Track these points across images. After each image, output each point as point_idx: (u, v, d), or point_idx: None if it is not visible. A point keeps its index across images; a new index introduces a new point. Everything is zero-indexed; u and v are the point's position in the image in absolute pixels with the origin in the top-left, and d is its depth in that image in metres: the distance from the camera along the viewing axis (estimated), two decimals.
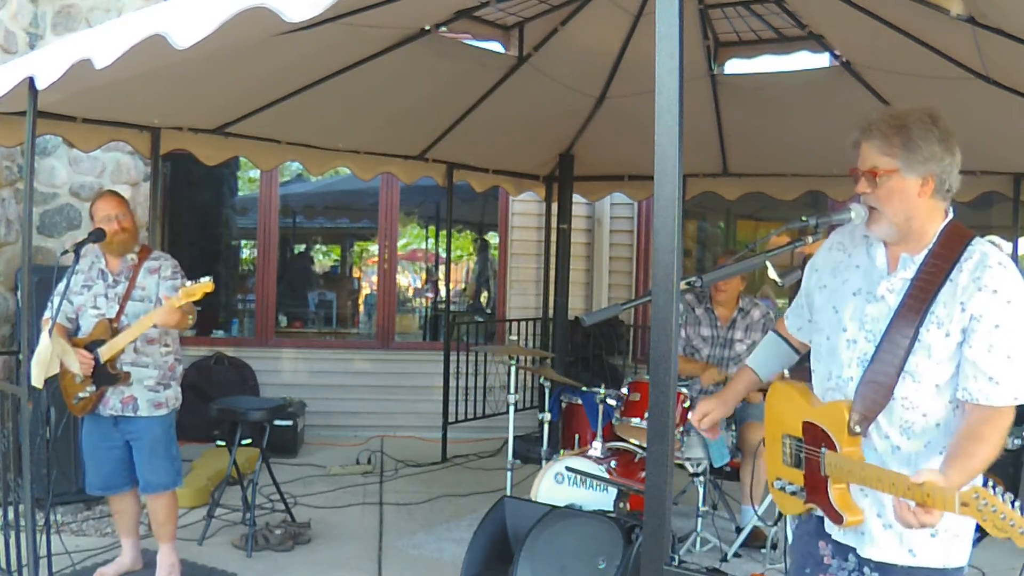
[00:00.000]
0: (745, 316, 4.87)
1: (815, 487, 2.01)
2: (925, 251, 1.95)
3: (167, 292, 3.71)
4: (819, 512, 2.06)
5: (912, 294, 1.93)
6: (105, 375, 3.73)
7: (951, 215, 1.99)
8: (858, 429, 1.93)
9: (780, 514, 4.07)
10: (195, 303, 3.66)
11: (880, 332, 1.96)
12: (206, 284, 3.49)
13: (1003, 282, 1.85)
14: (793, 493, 2.07)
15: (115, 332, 3.72)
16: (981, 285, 1.85)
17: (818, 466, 1.99)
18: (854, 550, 2.04)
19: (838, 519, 1.97)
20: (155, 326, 3.66)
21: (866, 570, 2.02)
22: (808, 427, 2.03)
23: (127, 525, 4.03)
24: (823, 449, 1.98)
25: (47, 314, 3.72)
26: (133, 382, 3.77)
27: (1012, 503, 1.55)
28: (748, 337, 4.82)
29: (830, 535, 2.07)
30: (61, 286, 3.70)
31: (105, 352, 3.70)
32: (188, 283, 3.54)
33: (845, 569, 2.06)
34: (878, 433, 1.97)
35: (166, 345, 3.86)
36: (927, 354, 1.91)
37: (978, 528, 1.69)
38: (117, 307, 3.80)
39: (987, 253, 1.90)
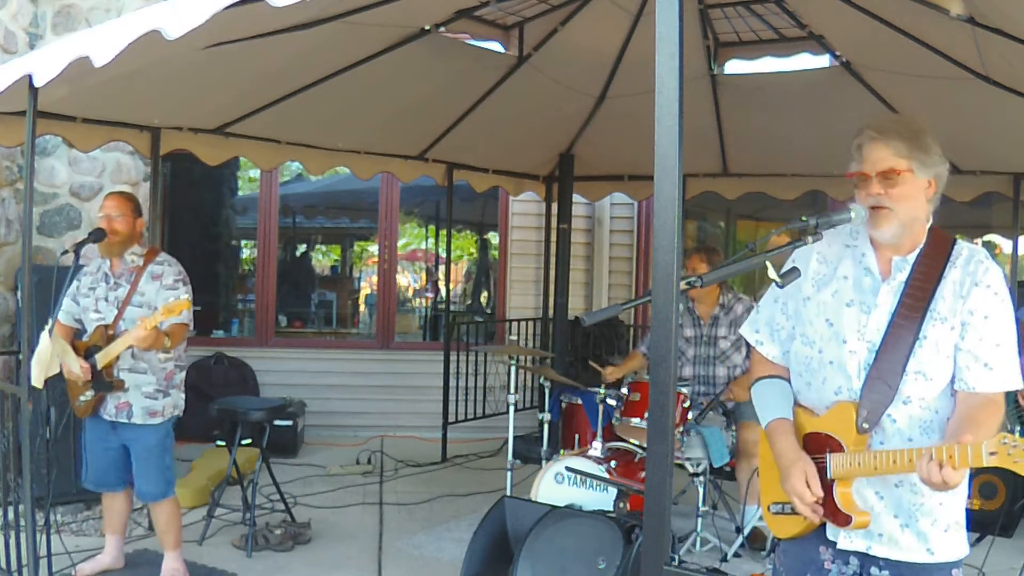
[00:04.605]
0: (728, 312, 4.79)
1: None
2: (916, 252, 2.03)
3: (163, 304, 3.68)
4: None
5: (909, 294, 1.99)
6: (101, 381, 3.72)
7: (931, 220, 2.09)
8: (866, 426, 1.97)
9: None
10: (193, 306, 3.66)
11: (879, 340, 1.99)
12: (183, 301, 3.49)
13: (992, 277, 1.97)
14: (793, 511, 2.06)
15: (110, 339, 3.71)
16: (977, 280, 1.96)
17: (823, 473, 2.00)
18: (857, 553, 2.04)
19: (845, 521, 1.97)
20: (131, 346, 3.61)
21: (874, 569, 2.03)
22: (811, 438, 2.05)
23: (113, 523, 4.03)
24: (828, 454, 2.00)
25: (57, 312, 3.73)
26: (130, 388, 3.75)
27: None
28: (733, 333, 4.73)
29: (834, 542, 2.07)
30: (69, 286, 3.70)
31: (100, 359, 3.70)
32: (176, 298, 3.54)
33: (845, 573, 2.07)
34: (900, 437, 1.98)
35: (165, 351, 3.76)
36: (935, 350, 1.96)
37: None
38: (116, 312, 3.77)
39: (975, 250, 2.02)
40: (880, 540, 2.02)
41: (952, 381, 1.97)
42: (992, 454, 1.67)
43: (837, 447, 1.99)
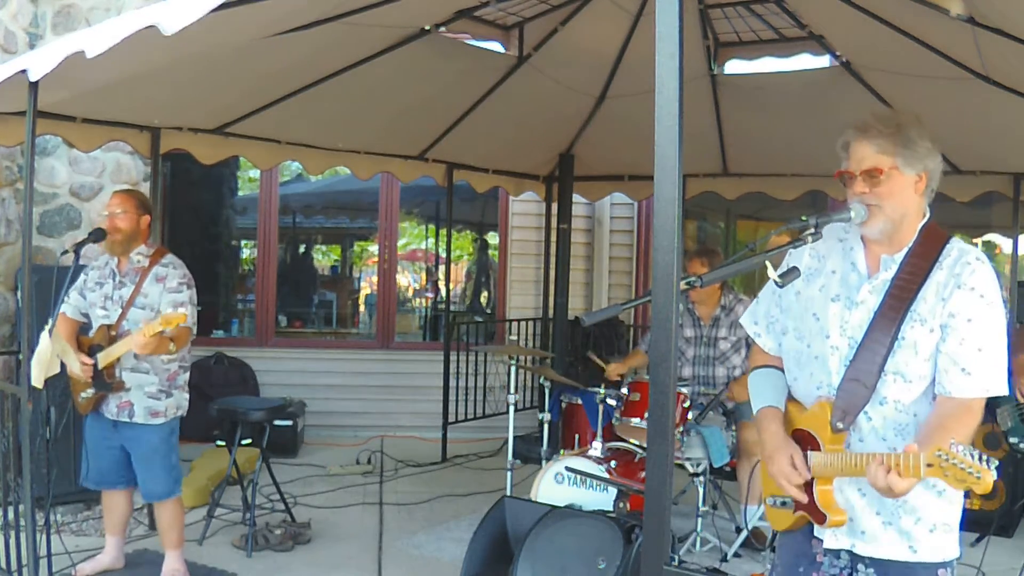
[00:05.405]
0: (729, 313, 4.79)
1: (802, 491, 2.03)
2: (905, 250, 2.00)
3: (166, 307, 3.68)
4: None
5: (893, 293, 1.97)
6: (102, 381, 3.72)
7: (928, 215, 2.05)
8: (840, 425, 1.96)
9: None
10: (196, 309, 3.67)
11: (861, 337, 1.98)
12: (180, 315, 3.47)
13: (979, 279, 1.92)
14: (783, 504, 2.08)
15: (112, 339, 3.71)
16: (960, 283, 1.92)
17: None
18: (847, 548, 2.05)
19: (821, 519, 1.99)
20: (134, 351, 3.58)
21: (861, 567, 2.03)
22: (797, 434, 2.07)
23: (113, 523, 4.03)
24: (809, 451, 2.01)
25: (60, 309, 3.72)
26: (132, 388, 3.74)
27: (971, 455, 1.61)
28: (733, 334, 4.74)
29: (821, 540, 2.08)
30: (71, 285, 3.70)
31: (101, 360, 3.70)
32: (175, 311, 3.53)
33: (837, 566, 2.08)
34: (875, 436, 1.99)
35: (168, 352, 3.73)
36: (913, 351, 1.94)
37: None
38: (119, 311, 3.76)
39: (965, 250, 1.97)
40: (863, 538, 2.02)
41: (931, 385, 1.95)
42: (929, 466, 1.66)
43: (815, 445, 1.99)
